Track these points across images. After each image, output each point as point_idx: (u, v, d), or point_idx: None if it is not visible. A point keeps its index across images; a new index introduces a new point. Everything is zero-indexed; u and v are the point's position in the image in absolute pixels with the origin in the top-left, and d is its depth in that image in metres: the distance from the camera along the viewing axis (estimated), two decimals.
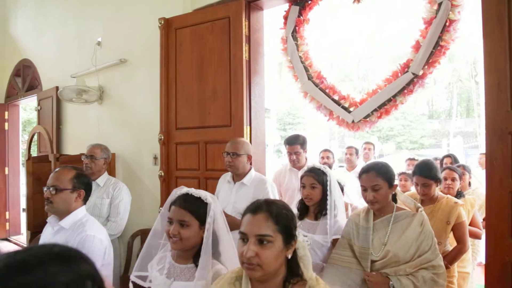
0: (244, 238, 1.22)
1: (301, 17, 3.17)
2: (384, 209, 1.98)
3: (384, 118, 2.91)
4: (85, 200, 2.04)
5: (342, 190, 2.62)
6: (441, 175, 2.91)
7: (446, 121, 27.13)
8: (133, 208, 3.30)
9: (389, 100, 2.78)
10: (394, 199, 2.05)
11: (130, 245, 3.45)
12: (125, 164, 4.01)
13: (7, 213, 6.47)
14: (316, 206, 2.25)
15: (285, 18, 3.25)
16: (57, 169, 2.04)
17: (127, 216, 3.20)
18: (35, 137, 5.10)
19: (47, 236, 2.01)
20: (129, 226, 3.36)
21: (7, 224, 6.48)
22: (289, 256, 1.24)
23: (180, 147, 3.32)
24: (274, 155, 19.56)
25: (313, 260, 2.08)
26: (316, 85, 3.05)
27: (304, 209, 2.32)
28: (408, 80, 2.67)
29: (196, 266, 1.53)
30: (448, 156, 4.54)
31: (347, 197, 2.79)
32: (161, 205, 3.08)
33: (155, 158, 3.65)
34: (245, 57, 3.03)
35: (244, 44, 3.01)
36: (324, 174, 2.24)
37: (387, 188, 1.95)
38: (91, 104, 4.37)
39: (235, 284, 1.30)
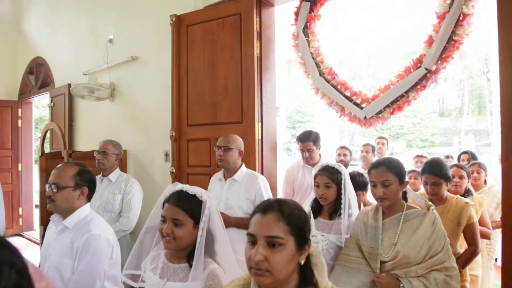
0: (252, 240, 1.10)
1: (312, 13, 3.15)
2: (394, 207, 1.90)
3: (396, 114, 2.88)
4: (89, 198, 1.96)
5: (366, 186, 2.58)
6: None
7: (457, 119, 26.80)
8: (145, 205, 3.32)
9: (402, 96, 2.74)
10: (405, 197, 1.97)
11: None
12: (136, 161, 4.05)
13: (20, 209, 6.58)
14: (330, 206, 2.21)
15: (296, 14, 3.23)
16: (58, 166, 1.94)
17: (139, 212, 3.23)
18: (48, 134, 5.17)
19: (51, 235, 1.92)
20: (141, 222, 3.39)
21: (20, 219, 6.59)
22: (302, 262, 1.12)
23: (192, 144, 3.34)
24: (284, 153, 19.57)
25: (326, 259, 2.07)
26: (328, 81, 3.03)
27: (318, 208, 2.27)
28: (421, 76, 2.64)
29: (190, 266, 1.47)
30: (465, 152, 4.42)
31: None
32: None
33: (166, 154, 3.68)
34: (256, 53, 3.03)
35: (255, 40, 3.02)
36: (338, 172, 2.19)
37: (398, 184, 1.86)
38: (102, 101, 4.41)
39: None
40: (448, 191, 2.83)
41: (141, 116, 4.04)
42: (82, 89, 4.14)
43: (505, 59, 1.97)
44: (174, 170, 3.35)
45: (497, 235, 3.34)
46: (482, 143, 20.70)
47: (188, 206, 1.48)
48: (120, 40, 4.29)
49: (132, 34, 4.14)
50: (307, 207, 2.31)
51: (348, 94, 2.99)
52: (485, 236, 2.80)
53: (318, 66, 3.10)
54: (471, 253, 2.39)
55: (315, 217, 2.23)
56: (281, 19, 3.40)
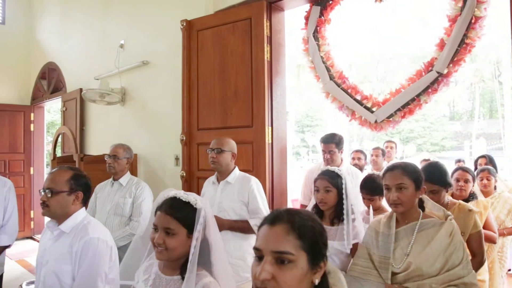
0: (259, 255, 0.97)
1: (322, 17, 3.16)
2: (408, 215, 1.78)
3: (407, 118, 2.86)
4: (84, 202, 1.91)
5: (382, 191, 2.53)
6: (454, 176, 2.78)
7: (468, 123, 26.54)
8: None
9: (413, 100, 2.73)
10: (421, 207, 1.84)
11: None
12: (147, 165, 4.07)
13: (31, 212, 6.66)
14: (331, 211, 2.15)
15: (306, 18, 3.24)
16: (52, 171, 1.90)
17: (149, 215, 3.23)
18: (59, 138, 5.23)
19: (48, 241, 1.87)
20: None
21: (32, 222, 6.67)
22: (317, 282, 0.99)
23: (202, 148, 3.35)
24: (293, 157, 19.54)
25: None
26: (338, 85, 3.03)
27: (318, 214, 2.19)
28: (432, 79, 2.63)
29: (183, 278, 1.35)
30: (483, 156, 4.30)
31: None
32: None
33: (177, 158, 3.70)
34: (267, 57, 3.04)
35: (265, 44, 3.02)
36: (338, 177, 2.13)
37: (414, 190, 1.75)
38: (114, 106, 4.46)
39: None
40: (452, 195, 2.77)
41: (151, 120, 4.07)
42: (93, 94, 4.19)
43: None
44: (184, 174, 3.37)
45: (509, 242, 3.27)
46: (493, 147, 20.47)
47: (180, 215, 1.38)
48: (131, 45, 4.34)
49: (143, 39, 4.18)
50: None
51: (358, 98, 2.99)
52: (490, 240, 2.69)
53: (328, 70, 3.10)
54: (477, 264, 2.22)
55: None
56: (288, 23, 3.40)
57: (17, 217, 2.90)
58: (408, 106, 2.76)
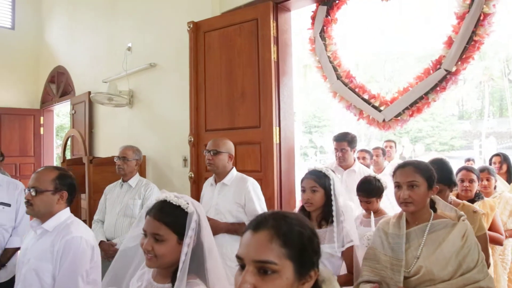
0: (241, 264, 0.89)
1: (329, 16, 3.16)
2: (419, 215, 1.69)
3: (415, 117, 2.85)
4: (69, 202, 1.91)
5: (381, 192, 2.44)
6: (458, 176, 2.69)
7: (478, 122, 26.29)
8: None
9: (421, 98, 2.72)
10: (433, 207, 1.75)
11: None
12: (155, 166, 4.10)
13: None
14: (319, 213, 2.04)
15: (313, 18, 3.24)
16: (38, 170, 1.90)
17: None
18: (68, 141, 5.28)
19: (31, 241, 1.86)
20: None
21: None
22: None
23: None
24: (301, 158, 19.50)
25: None
26: (346, 85, 3.03)
27: (306, 216, 2.04)
28: (440, 77, 2.61)
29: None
30: (497, 155, 4.16)
31: (388, 201, 2.58)
32: None
33: (185, 160, 3.71)
34: (274, 58, 3.04)
35: (272, 45, 3.03)
36: (326, 177, 2.03)
37: (426, 189, 1.65)
38: (122, 108, 4.49)
39: None
40: (458, 195, 2.69)
41: (159, 122, 4.09)
42: (101, 97, 4.22)
43: None
44: (192, 175, 3.38)
45: (511, 245, 3.19)
46: (504, 145, 20.24)
47: (170, 220, 1.29)
48: (139, 48, 4.37)
49: (150, 42, 4.21)
50: None
51: (366, 97, 2.98)
52: (497, 242, 2.62)
53: (335, 69, 3.10)
54: None
55: None
56: (294, 24, 3.40)
57: (28, 219, 2.93)
58: (416, 105, 2.75)
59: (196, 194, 3.29)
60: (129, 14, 4.57)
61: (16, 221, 2.84)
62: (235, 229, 2.43)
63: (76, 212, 4.39)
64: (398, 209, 2.57)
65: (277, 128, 3.04)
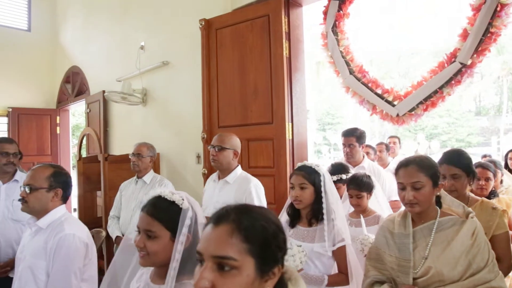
0: (200, 259, 0.86)
1: (341, 11, 3.13)
2: (425, 214, 1.62)
3: (430, 111, 2.80)
4: (64, 199, 1.92)
5: (372, 189, 2.38)
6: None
7: (496, 118, 25.71)
8: None
9: (435, 92, 2.67)
10: (438, 202, 1.67)
11: None
12: (169, 163, 4.13)
13: None
14: (308, 211, 1.96)
15: (325, 13, 3.22)
16: (33, 167, 1.91)
17: None
18: (84, 139, 5.36)
19: (27, 237, 1.88)
20: None
21: None
22: None
23: None
24: (314, 155, 19.42)
25: (312, 272, 1.88)
26: (358, 79, 2.99)
27: (295, 214, 2.02)
28: (455, 70, 2.56)
29: None
30: None
31: (376, 200, 2.48)
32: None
33: (198, 156, 3.74)
34: (286, 54, 3.03)
35: (284, 41, 3.02)
36: (316, 173, 1.94)
37: (431, 187, 1.58)
38: (136, 106, 4.54)
39: None
40: (471, 192, 2.53)
41: (173, 119, 4.13)
42: (115, 96, 4.28)
43: None
44: (206, 172, 3.40)
45: None
46: None
47: (163, 216, 1.25)
48: (152, 47, 4.41)
49: (162, 40, 4.24)
50: (284, 215, 2.08)
51: (379, 91, 2.94)
52: None
53: (348, 64, 3.07)
54: (505, 271, 1.91)
55: (293, 225, 2.01)
56: (306, 20, 3.38)
57: None
58: (430, 99, 2.69)
59: None
60: (142, 14, 4.61)
61: None
62: None
63: (92, 209, 4.46)
64: (386, 209, 2.53)
65: (290, 124, 3.03)
